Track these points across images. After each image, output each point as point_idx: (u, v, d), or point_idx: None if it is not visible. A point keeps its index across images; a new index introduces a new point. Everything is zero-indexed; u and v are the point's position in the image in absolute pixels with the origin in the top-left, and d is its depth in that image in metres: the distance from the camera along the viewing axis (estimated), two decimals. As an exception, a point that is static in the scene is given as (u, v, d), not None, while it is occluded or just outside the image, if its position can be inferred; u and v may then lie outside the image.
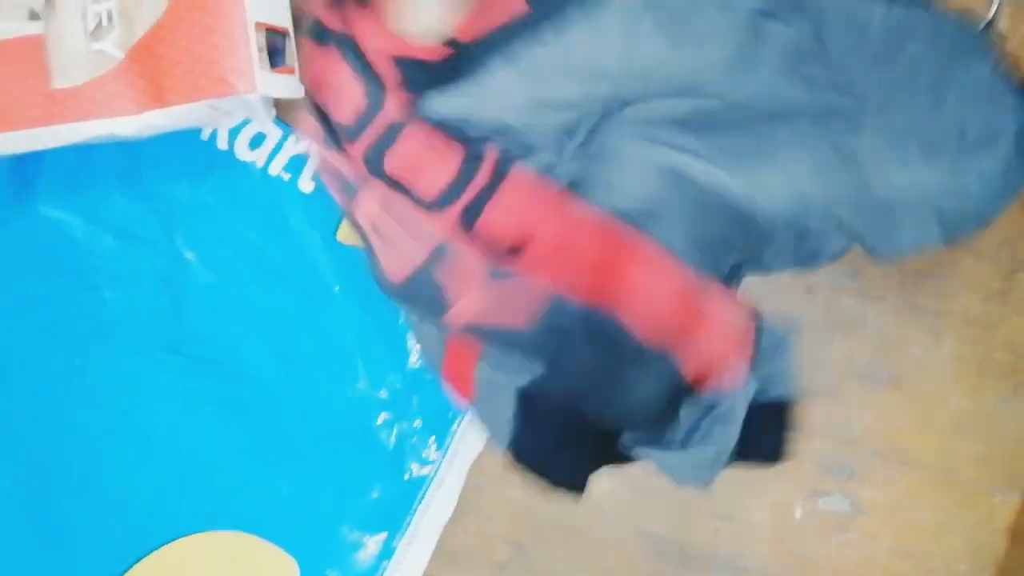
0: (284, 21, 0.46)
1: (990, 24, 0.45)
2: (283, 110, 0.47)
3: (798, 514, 0.46)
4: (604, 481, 0.47)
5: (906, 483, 0.46)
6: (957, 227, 0.41)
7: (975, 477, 0.46)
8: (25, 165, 0.47)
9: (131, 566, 0.46)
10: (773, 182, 0.40)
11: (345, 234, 0.47)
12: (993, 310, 0.46)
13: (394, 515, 0.46)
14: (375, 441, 0.46)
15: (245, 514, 0.46)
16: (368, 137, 0.41)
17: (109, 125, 0.44)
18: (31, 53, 0.44)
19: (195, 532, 0.46)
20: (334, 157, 0.41)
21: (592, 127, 0.42)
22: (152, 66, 0.43)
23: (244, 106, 0.44)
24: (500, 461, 0.44)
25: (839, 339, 0.46)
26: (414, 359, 0.47)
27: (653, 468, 0.46)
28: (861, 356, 0.46)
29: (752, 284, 0.47)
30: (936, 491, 0.46)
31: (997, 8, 0.45)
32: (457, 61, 0.41)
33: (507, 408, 0.41)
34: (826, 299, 0.47)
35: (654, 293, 0.41)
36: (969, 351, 0.46)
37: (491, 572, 0.47)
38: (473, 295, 0.40)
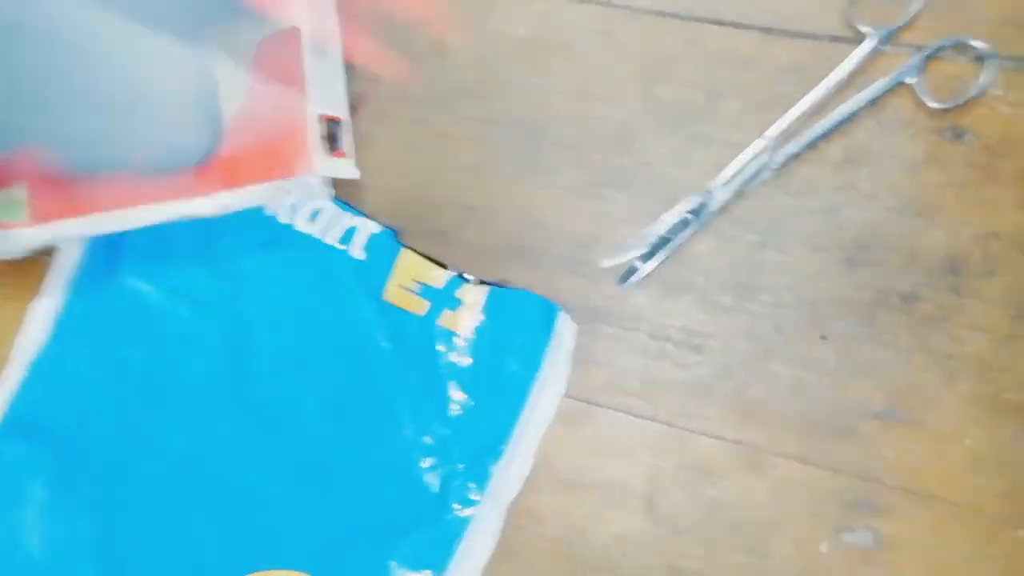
0: (341, 112, 0.52)
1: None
2: (340, 189, 0.53)
3: (823, 549, 0.48)
4: (636, 519, 0.50)
5: (930, 518, 0.48)
6: None
7: (998, 512, 0.47)
8: (112, 240, 0.53)
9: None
10: None
11: (392, 294, 0.52)
12: (1002, 353, 0.49)
13: (437, 554, 0.49)
14: (420, 484, 0.50)
15: (300, 554, 0.50)
16: None
17: (188, 206, 0.50)
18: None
19: (255, 571, 0.50)
20: None
21: None
22: (230, 154, 0.49)
23: (305, 186, 0.49)
24: (539, 502, 0.47)
25: (855, 383, 0.49)
26: (455, 408, 0.51)
27: (684, 508, 0.49)
28: (877, 397, 0.49)
29: (767, 332, 0.50)
30: (960, 526, 0.48)
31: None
32: None
33: None
34: (841, 345, 0.49)
35: None
36: (982, 391, 0.48)
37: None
38: None
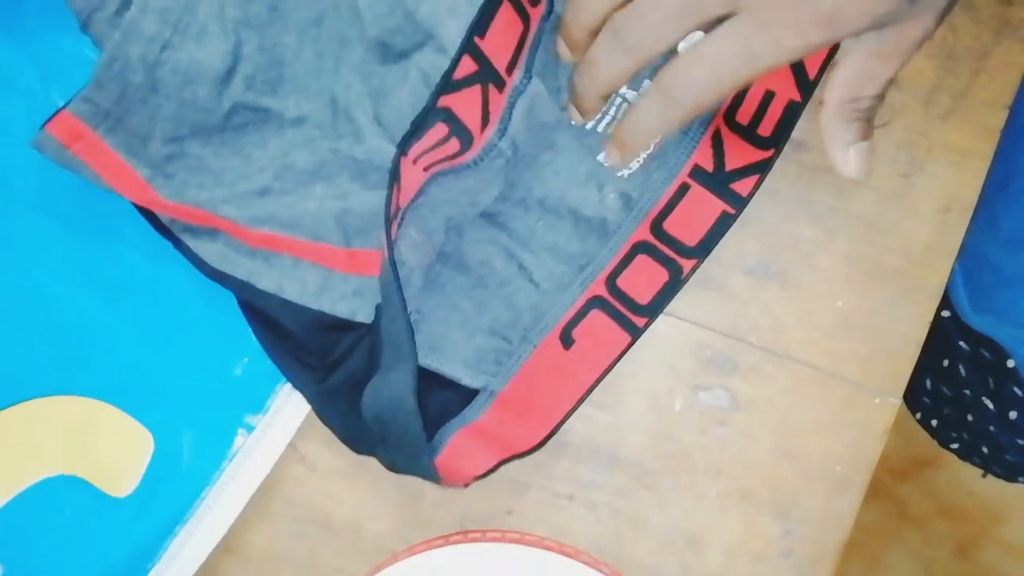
0: None
1: None
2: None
3: (677, 406, 0.46)
4: (481, 362, 0.46)
5: (789, 381, 0.45)
6: None
7: (857, 379, 0.45)
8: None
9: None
10: None
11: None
12: (888, 212, 0.45)
13: (256, 393, 0.45)
14: (242, 318, 0.45)
15: (101, 383, 0.45)
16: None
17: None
18: None
19: (45, 396, 0.45)
20: None
21: None
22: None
23: None
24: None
25: (731, 233, 0.45)
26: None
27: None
28: (751, 250, 0.45)
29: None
30: (818, 391, 0.45)
31: None
32: None
33: None
34: (721, 191, 0.45)
35: None
36: (861, 252, 0.45)
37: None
38: None
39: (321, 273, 0.43)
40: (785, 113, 0.43)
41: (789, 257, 0.45)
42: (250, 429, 0.45)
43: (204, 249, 0.42)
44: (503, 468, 0.42)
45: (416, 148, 0.39)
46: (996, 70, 0.45)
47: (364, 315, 0.42)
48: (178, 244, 0.43)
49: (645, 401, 0.46)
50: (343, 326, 0.42)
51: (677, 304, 0.45)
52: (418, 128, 0.38)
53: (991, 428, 0.69)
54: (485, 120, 0.40)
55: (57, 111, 0.40)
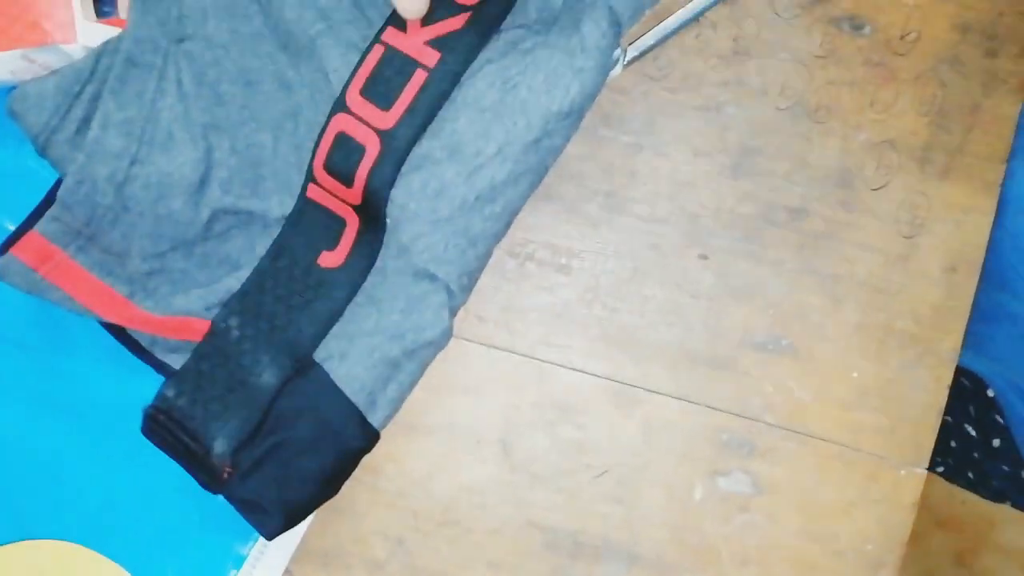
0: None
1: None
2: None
3: (697, 495, 0.43)
4: (489, 466, 0.43)
5: (811, 459, 0.43)
6: None
7: (880, 451, 0.43)
8: None
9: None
10: None
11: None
12: (894, 276, 0.44)
13: (243, 520, 0.41)
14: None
15: (72, 523, 0.41)
16: None
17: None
18: None
19: (11, 541, 0.40)
20: None
21: None
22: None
23: (64, 60, 0.38)
24: (374, 450, 0.40)
25: (735, 307, 0.43)
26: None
27: (543, 452, 0.42)
28: (759, 325, 0.43)
29: (640, 250, 0.44)
30: (841, 467, 0.43)
31: None
32: None
33: None
34: (720, 264, 0.44)
35: None
36: (871, 319, 0.44)
37: (369, 572, 0.43)
38: None
39: None
40: None
41: (799, 329, 0.44)
42: (240, 560, 0.41)
43: None
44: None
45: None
46: (989, 124, 0.44)
47: None
48: (161, 368, 0.39)
49: (661, 492, 0.43)
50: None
51: (687, 387, 0.43)
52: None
53: (975, 455, 0.68)
54: None
55: (18, 232, 0.36)
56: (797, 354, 0.44)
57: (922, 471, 0.43)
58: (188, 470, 0.38)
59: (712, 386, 0.43)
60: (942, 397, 0.43)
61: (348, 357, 0.38)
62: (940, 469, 0.73)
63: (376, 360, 0.38)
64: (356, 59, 0.38)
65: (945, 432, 0.69)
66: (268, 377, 0.38)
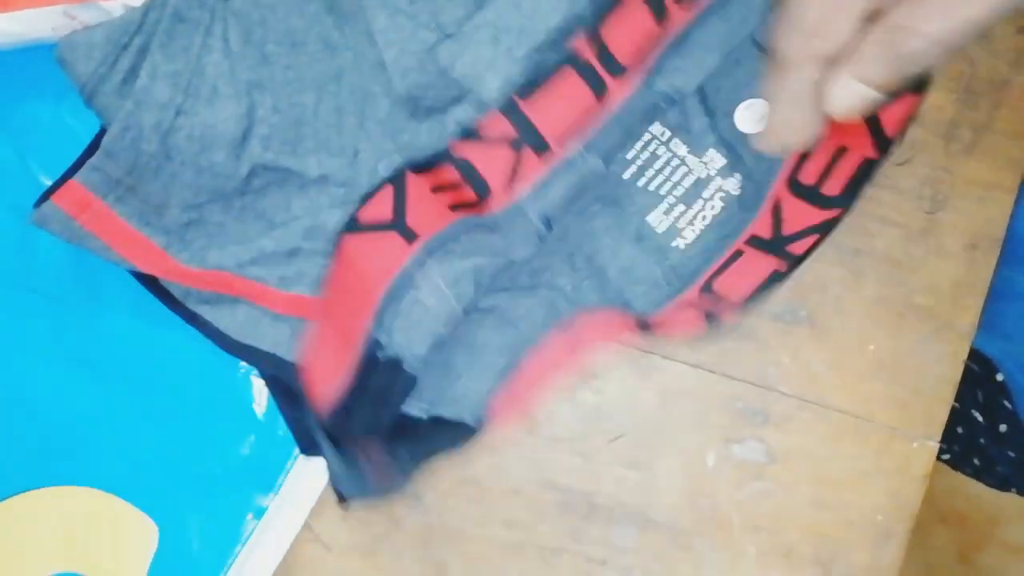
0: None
1: None
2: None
3: (710, 462, 0.44)
4: (508, 429, 0.44)
5: (823, 429, 0.44)
6: None
7: (894, 423, 0.44)
8: None
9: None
10: None
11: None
12: (915, 251, 0.44)
13: (265, 473, 0.42)
14: (245, 393, 0.42)
15: (97, 471, 0.42)
16: None
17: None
18: None
19: (38, 487, 0.41)
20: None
21: None
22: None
23: (104, 17, 0.39)
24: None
25: (756, 278, 0.44)
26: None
27: (563, 417, 0.43)
28: (777, 296, 0.44)
29: (665, 217, 0.44)
30: (854, 437, 0.44)
31: None
32: None
33: None
34: (743, 236, 0.44)
35: None
36: (890, 292, 0.44)
37: (387, 527, 0.44)
38: None
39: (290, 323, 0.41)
40: (858, 172, 0.40)
41: (817, 301, 0.44)
42: (261, 511, 0.43)
43: (225, 321, 0.40)
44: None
45: (428, 178, 0.37)
46: (1016, 101, 0.44)
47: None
48: (192, 319, 0.40)
49: (676, 458, 0.44)
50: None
51: (703, 355, 0.43)
52: (429, 162, 0.37)
53: (981, 441, 0.69)
54: (512, 178, 0.38)
55: (59, 182, 0.37)
56: (814, 325, 0.44)
57: (934, 443, 0.44)
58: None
59: (729, 355, 0.44)
60: (957, 371, 0.44)
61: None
62: (946, 457, 0.74)
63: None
64: (404, 23, 0.38)
65: (952, 418, 0.70)
66: None
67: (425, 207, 0.38)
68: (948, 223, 0.44)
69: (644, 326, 0.40)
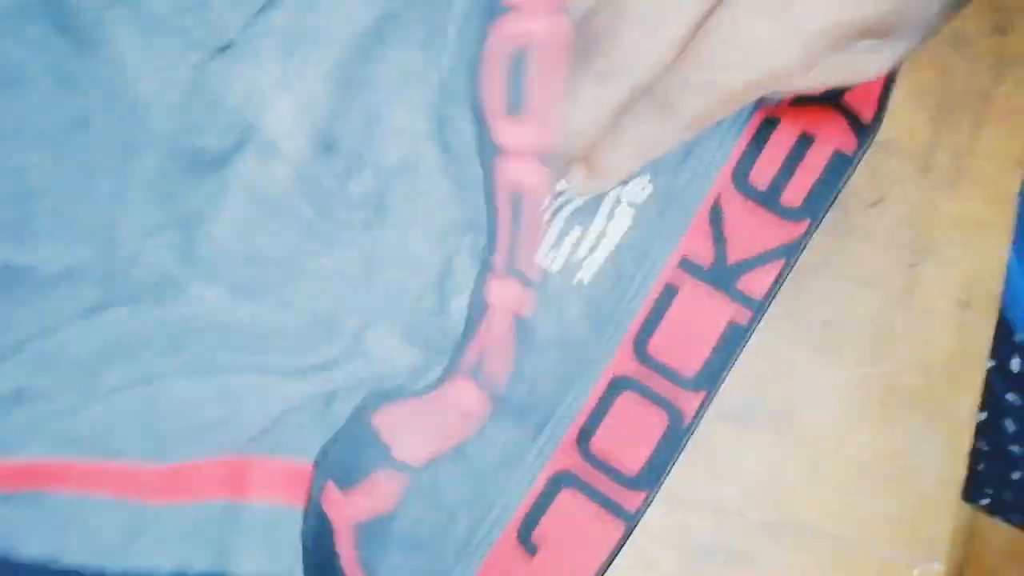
0: None
1: None
2: None
3: (665, 626, 0.32)
4: None
5: (803, 562, 0.33)
6: None
7: (888, 546, 0.34)
8: None
9: None
10: None
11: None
12: (896, 317, 0.34)
13: None
14: None
15: None
16: None
17: None
18: None
19: None
20: None
21: None
22: None
23: None
24: None
25: (702, 368, 0.33)
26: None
27: None
28: (733, 389, 0.33)
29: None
30: (841, 569, 0.33)
31: None
32: None
33: None
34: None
35: None
36: (871, 374, 0.34)
37: None
38: None
39: (125, 512, 0.28)
40: (828, 170, 0.29)
41: (780, 392, 0.33)
42: None
43: None
44: None
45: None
46: (1000, 117, 0.35)
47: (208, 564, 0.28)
48: None
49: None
50: None
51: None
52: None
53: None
54: None
55: None
56: (780, 425, 0.33)
57: (940, 567, 0.34)
58: None
59: (675, 476, 0.32)
60: (960, 469, 0.34)
61: None
62: (985, 502, 0.65)
63: None
64: (166, 42, 0.26)
65: (1006, 462, 0.61)
66: None
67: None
68: (934, 278, 0.34)
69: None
